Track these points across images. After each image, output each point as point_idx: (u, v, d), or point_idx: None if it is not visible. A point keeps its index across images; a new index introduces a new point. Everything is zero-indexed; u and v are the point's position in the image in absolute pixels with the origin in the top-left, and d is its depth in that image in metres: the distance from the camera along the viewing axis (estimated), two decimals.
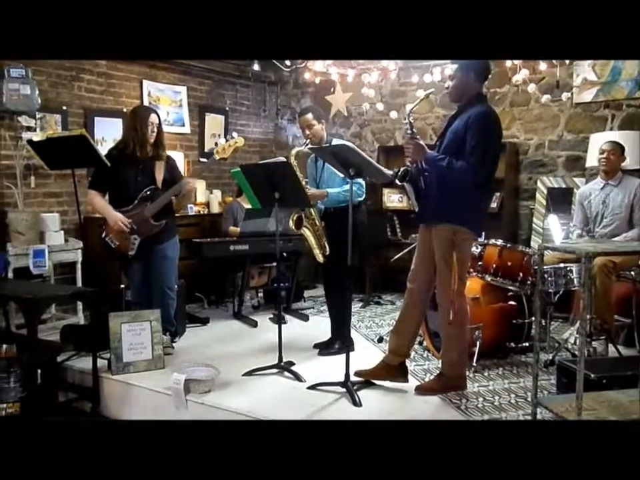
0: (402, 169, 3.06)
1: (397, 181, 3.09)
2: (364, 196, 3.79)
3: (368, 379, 3.23)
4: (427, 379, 3.31)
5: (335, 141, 3.73)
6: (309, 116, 3.74)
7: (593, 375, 2.85)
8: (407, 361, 3.29)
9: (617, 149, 4.04)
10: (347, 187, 3.27)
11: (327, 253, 3.72)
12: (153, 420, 3.11)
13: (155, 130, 3.72)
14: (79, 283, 4.55)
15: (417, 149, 2.96)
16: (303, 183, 3.53)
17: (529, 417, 2.76)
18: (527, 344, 3.70)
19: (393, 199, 5.92)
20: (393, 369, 3.20)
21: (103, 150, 3.93)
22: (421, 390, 3.11)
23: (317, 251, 3.73)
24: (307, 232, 3.71)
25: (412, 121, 3.02)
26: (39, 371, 3.19)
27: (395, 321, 3.33)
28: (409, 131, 3.01)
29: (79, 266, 4.60)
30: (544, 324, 3.73)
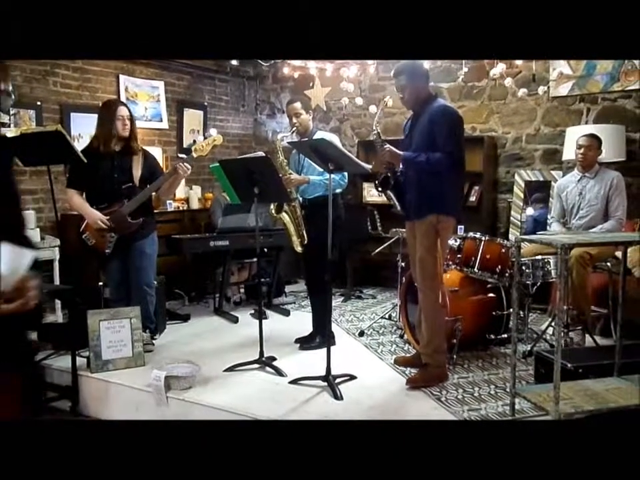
0: (381, 177, 3.20)
1: (379, 189, 3.23)
2: (345, 186, 3.81)
3: (407, 366, 3.39)
4: (406, 371, 3.34)
5: (320, 133, 3.74)
6: (298, 105, 3.76)
7: (569, 365, 2.90)
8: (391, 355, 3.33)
9: (594, 143, 4.09)
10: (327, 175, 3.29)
11: (305, 242, 3.73)
12: (131, 420, 3.09)
13: (127, 123, 3.66)
14: (57, 281, 4.49)
15: (391, 154, 3.15)
16: (286, 168, 3.56)
17: (507, 408, 2.79)
18: (506, 335, 3.74)
19: (373, 194, 5.93)
20: None
21: (80, 147, 3.88)
22: (411, 383, 3.14)
23: (294, 239, 3.74)
24: (286, 217, 3.71)
25: (379, 131, 3.27)
26: None
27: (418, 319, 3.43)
28: (378, 140, 3.22)
29: (56, 264, 4.54)
30: (522, 315, 3.78)
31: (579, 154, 4.11)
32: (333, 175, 3.16)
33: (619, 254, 3.78)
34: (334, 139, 3.57)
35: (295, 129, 3.73)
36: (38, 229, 4.50)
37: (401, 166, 3.21)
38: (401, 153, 3.14)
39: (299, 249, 3.77)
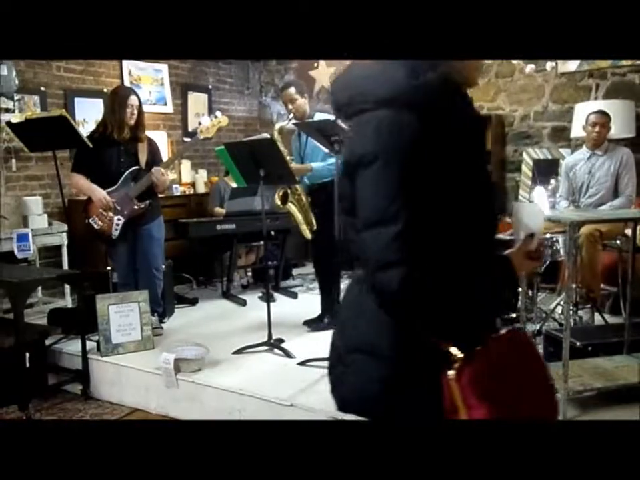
0: None
1: None
2: None
3: None
4: None
5: (319, 115, 3.70)
6: (292, 90, 3.71)
7: (578, 343, 2.89)
8: None
9: (607, 120, 4.02)
10: (331, 160, 3.26)
11: (314, 228, 3.71)
12: (130, 419, 3.11)
13: (135, 112, 3.66)
14: (65, 266, 4.51)
15: None
16: (288, 159, 3.51)
17: None
18: (515, 315, 3.72)
19: None
20: None
21: (85, 132, 3.87)
22: None
23: (304, 227, 3.73)
24: (292, 208, 3.70)
25: None
26: (27, 354, 3.18)
27: None
28: None
29: (64, 249, 4.56)
30: (531, 295, 3.76)
31: (593, 132, 4.02)
32: (335, 160, 3.13)
33: (628, 231, 3.74)
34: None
35: (291, 115, 3.69)
36: (45, 215, 4.52)
37: None
38: None
39: (308, 235, 3.75)
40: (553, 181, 4.35)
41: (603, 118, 4.02)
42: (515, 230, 1.29)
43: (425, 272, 1.02)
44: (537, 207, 1.40)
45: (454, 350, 1.08)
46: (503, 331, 1.20)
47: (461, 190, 1.07)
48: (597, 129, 4.00)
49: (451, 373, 1.07)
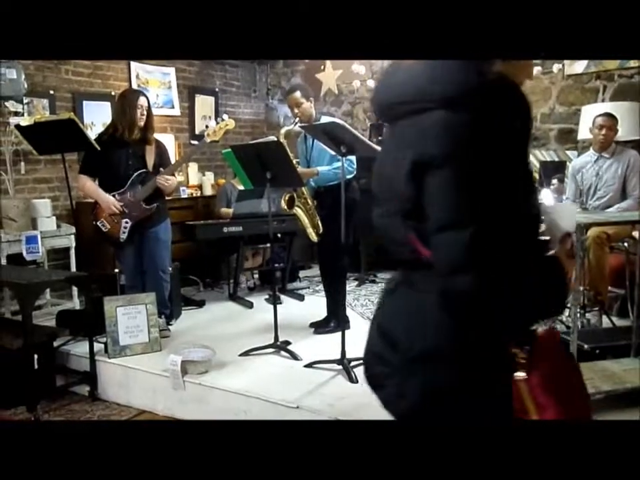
0: None
1: None
2: (355, 172, 3.78)
3: None
4: None
5: (324, 118, 3.70)
6: (297, 94, 3.71)
7: (586, 346, 2.88)
8: None
9: (614, 122, 4.01)
10: (337, 164, 3.26)
11: (321, 231, 3.72)
12: (129, 420, 3.12)
13: (145, 113, 3.69)
14: (73, 269, 4.54)
15: None
16: (294, 162, 3.52)
17: None
18: None
19: None
20: None
21: (93, 135, 3.90)
22: None
23: (310, 230, 3.73)
24: (299, 211, 3.70)
25: None
26: (36, 356, 3.19)
27: None
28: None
29: (72, 251, 4.58)
30: None
31: (600, 134, 4.01)
32: (341, 163, 3.13)
33: (636, 234, 3.73)
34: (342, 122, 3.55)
35: (297, 119, 3.69)
36: (54, 217, 4.55)
37: None
38: None
39: (314, 238, 3.76)
40: (554, 181, 4.34)
41: (610, 120, 4.01)
42: (551, 231, 1.26)
43: (498, 274, 1.01)
44: (570, 206, 1.38)
45: (520, 351, 1.09)
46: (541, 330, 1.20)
47: (520, 188, 1.05)
48: (603, 131, 3.99)
49: (520, 374, 1.08)
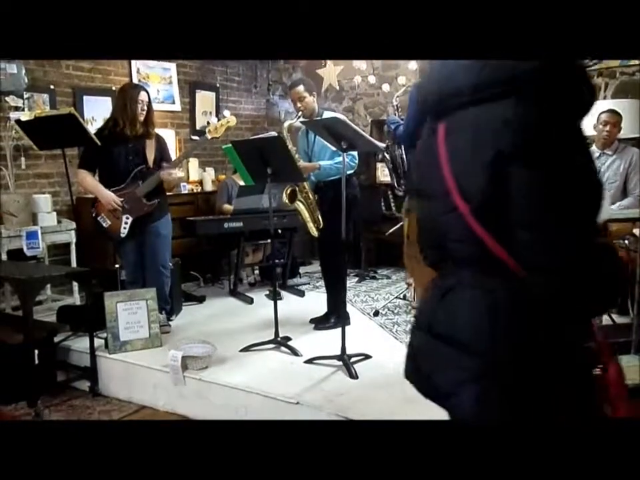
0: None
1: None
2: (356, 167, 3.78)
3: None
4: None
5: (327, 114, 3.70)
6: (300, 88, 3.71)
7: None
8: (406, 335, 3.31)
9: (619, 119, 4.00)
10: (339, 159, 3.26)
11: (321, 226, 3.72)
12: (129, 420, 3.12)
13: (145, 108, 3.68)
14: (74, 264, 4.54)
15: None
16: (296, 156, 3.52)
17: None
18: None
19: (386, 174, 5.89)
20: None
21: (93, 129, 3.89)
22: None
23: (310, 225, 3.73)
24: (300, 205, 3.70)
25: (398, 105, 3.55)
26: (36, 351, 3.20)
27: None
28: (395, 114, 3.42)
29: (73, 247, 4.58)
30: None
31: (604, 131, 4.00)
32: (342, 158, 3.13)
33: (637, 231, 3.72)
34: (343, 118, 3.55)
35: (300, 113, 3.69)
36: (54, 213, 4.54)
37: None
38: None
39: (315, 233, 3.76)
40: None
41: (615, 117, 4.00)
42: None
43: (580, 270, 0.98)
44: None
45: (597, 346, 1.08)
46: None
47: (596, 178, 1.02)
48: (607, 127, 3.98)
49: (598, 370, 1.07)
